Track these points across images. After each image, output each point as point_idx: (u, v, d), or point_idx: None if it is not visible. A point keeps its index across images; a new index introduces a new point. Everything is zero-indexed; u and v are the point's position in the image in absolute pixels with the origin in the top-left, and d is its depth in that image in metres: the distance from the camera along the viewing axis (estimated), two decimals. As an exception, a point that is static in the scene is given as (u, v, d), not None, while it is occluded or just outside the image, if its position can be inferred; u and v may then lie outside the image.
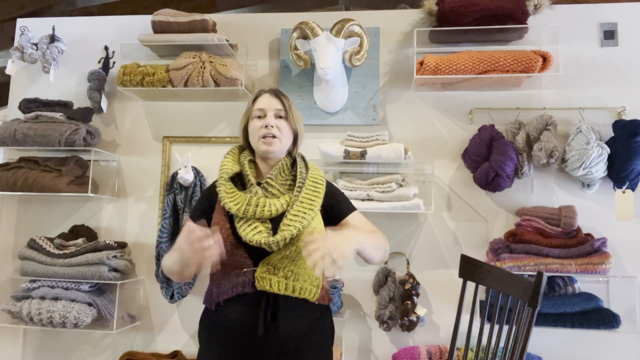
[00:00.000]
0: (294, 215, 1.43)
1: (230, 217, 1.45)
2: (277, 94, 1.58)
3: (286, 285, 1.42)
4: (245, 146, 1.62)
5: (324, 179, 1.59)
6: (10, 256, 2.71)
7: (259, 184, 1.53)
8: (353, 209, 1.61)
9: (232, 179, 1.52)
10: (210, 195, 1.55)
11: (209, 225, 1.49)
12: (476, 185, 2.42)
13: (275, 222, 1.44)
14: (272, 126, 1.51)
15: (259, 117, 1.54)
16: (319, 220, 1.51)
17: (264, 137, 1.51)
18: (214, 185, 1.56)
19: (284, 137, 1.54)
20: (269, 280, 1.41)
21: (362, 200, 2.37)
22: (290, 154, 1.61)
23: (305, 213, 1.44)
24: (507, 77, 2.36)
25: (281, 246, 1.40)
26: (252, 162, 1.58)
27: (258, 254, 1.42)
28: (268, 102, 1.55)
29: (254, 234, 1.41)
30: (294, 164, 1.62)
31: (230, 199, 1.45)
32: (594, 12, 2.51)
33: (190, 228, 1.24)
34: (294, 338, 1.43)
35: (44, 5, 3.29)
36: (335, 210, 1.57)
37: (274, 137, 1.51)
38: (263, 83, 2.67)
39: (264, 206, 1.43)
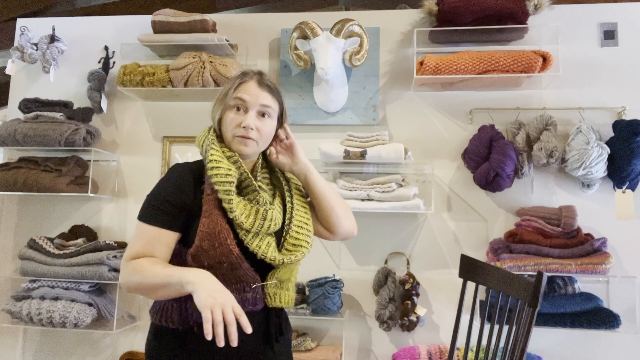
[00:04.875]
0: (299, 227, 1.32)
1: (230, 225, 1.23)
2: (266, 83, 1.32)
3: (288, 298, 1.34)
4: (217, 130, 1.34)
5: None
6: (10, 256, 2.71)
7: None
8: None
9: None
10: (186, 193, 1.24)
11: (187, 231, 1.24)
12: (476, 185, 2.42)
13: (277, 232, 1.31)
14: (251, 129, 1.27)
15: (236, 108, 1.29)
16: None
17: (239, 136, 1.27)
18: (190, 179, 1.26)
19: (262, 140, 1.31)
20: (279, 296, 1.30)
21: (362, 200, 2.37)
22: None
23: (306, 224, 1.35)
24: (507, 77, 2.36)
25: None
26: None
27: (259, 266, 1.26)
28: (253, 94, 1.29)
29: (268, 249, 1.25)
30: None
31: (240, 211, 1.23)
32: (594, 12, 2.51)
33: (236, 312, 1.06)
34: (285, 347, 1.37)
35: (44, 5, 3.29)
36: None
37: (249, 138, 1.28)
38: (263, 83, 2.67)
39: (272, 219, 1.27)
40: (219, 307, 1.03)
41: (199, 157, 1.35)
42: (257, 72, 1.34)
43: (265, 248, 1.25)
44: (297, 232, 1.32)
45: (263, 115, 1.31)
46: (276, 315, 1.33)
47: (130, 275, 1.17)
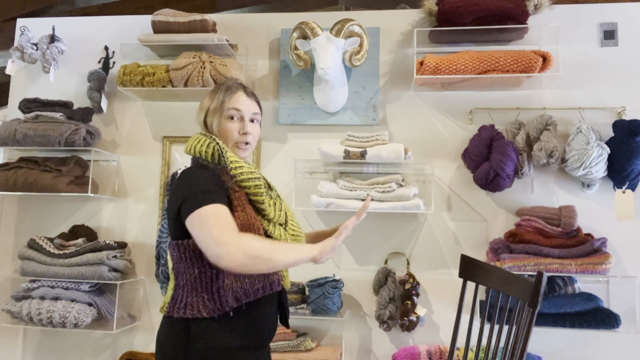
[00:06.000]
0: (292, 220, 1.50)
1: None
2: (252, 93, 1.50)
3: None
4: (211, 135, 1.42)
5: None
6: (10, 256, 2.71)
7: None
8: None
9: None
10: (224, 187, 1.34)
11: None
12: (476, 185, 2.42)
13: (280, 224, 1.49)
14: (250, 134, 1.45)
15: (232, 117, 1.43)
16: None
17: (240, 142, 1.44)
18: (219, 175, 1.35)
19: (254, 142, 1.50)
20: (288, 278, 1.47)
21: (362, 200, 2.37)
22: None
23: (294, 217, 1.54)
24: (507, 77, 2.36)
25: None
26: None
27: None
28: (245, 104, 1.46)
29: (286, 236, 1.43)
30: None
31: (267, 204, 1.39)
32: (594, 12, 2.51)
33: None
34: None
35: (44, 5, 3.29)
36: None
37: (247, 143, 1.45)
38: (263, 83, 2.67)
39: (283, 211, 1.45)
40: (334, 242, 1.34)
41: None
42: (239, 83, 1.50)
43: (285, 235, 1.41)
44: (292, 223, 1.48)
45: (252, 121, 1.48)
46: (285, 297, 1.48)
47: (260, 247, 1.24)
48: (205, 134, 1.41)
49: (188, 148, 1.42)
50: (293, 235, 1.45)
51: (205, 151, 1.37)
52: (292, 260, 1.29)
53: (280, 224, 1.43)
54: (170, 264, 1.39)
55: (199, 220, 1.24)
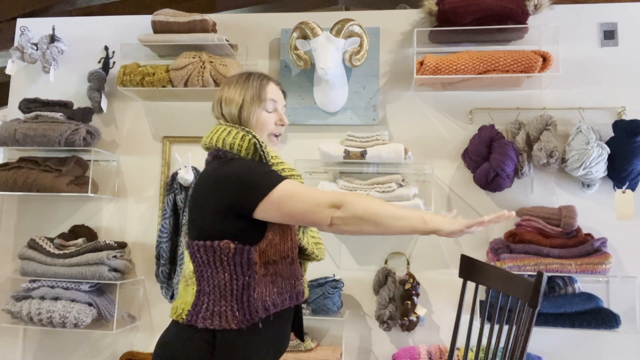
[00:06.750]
0: (311, 229, 1.45)
1: None
2: (279, 83, 1.47)
3: None
4: (244, 127, 1.33)
5: None
6: (10, 256, 2.71)
7: None
8: None
9: None
10: None
11: (251, 227, 1.24)
12: (476, 185, 2.42)
13: None
14: (286, 124, 1.42)
15: (270, 108, 1.38)
16: None
17: (275, 134, 1.40)
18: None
19: None
20: (307, 288, 1.41)
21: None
22: None
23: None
24: (507, 77, 2.36)
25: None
26: None
27: None
28: (279, 95, 1.42)
29: (314, 245, 1.38)
30: None
31: None
32: (594, 12, 2.51)
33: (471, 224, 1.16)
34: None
35: (44, 5, 3.29)
36: None
37: (278, 135, 1.42)
38: (263, 83, 2.67)
39: None
40: (462, 226, 1.17)
41: (198, 157, 1.37)
42: (266, 74, 1.42)
43: (312, 244, 1.37)
44: (311, 230, 1.43)
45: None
46: (301, 309, 1.44)
47: (367, 204, 1.16)
48: (233, 125, 1.31)
49: (212, 140, 1.30)
50: (315, 246, 1.39)
51: (239, 144, 1.26)
52: (403, 224, 1.16)
53: (300, 226, 1.35)
54: (190, 267, 1.27)
55: (285, 195, 1.17)
